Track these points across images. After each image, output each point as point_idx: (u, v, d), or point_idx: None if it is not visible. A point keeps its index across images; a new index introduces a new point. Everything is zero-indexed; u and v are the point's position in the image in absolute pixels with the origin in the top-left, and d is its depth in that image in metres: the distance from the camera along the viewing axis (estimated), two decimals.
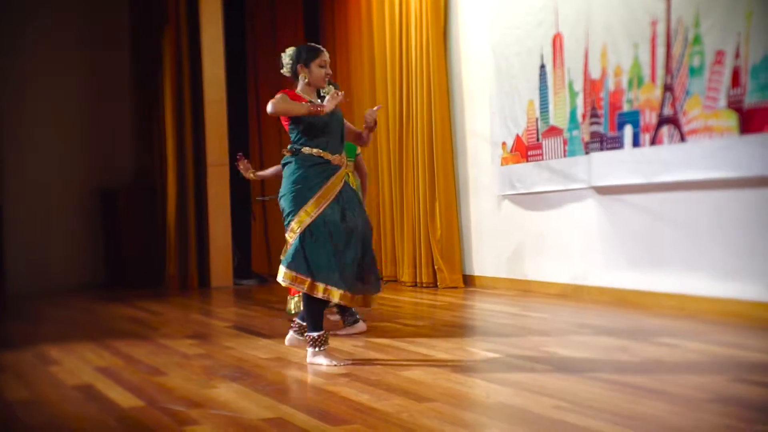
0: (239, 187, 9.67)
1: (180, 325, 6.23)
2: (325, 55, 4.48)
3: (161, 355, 4.74)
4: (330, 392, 3.56)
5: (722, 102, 5.09)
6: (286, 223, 4.21)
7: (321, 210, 4.13)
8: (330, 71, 4.49)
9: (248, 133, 10.31)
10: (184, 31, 9.26)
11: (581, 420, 2.92)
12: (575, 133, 6.45)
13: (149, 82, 9.88)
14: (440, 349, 4.48)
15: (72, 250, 9.78)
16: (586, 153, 6.30)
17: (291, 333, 4.61)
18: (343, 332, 5.18)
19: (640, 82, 5.73)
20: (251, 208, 10.02)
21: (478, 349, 4.44)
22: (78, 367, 4.47)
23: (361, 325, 5.26)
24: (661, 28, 5.54)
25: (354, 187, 4.79)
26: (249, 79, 10.27)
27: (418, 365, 4.07)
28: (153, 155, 9.86)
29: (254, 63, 10.25)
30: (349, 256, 4.14)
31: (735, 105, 5.01)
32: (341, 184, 4.28)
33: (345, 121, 4.54)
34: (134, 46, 10.21)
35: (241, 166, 5.46)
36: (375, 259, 4.31)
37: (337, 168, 4.29)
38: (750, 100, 4.91)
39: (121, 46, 10.21)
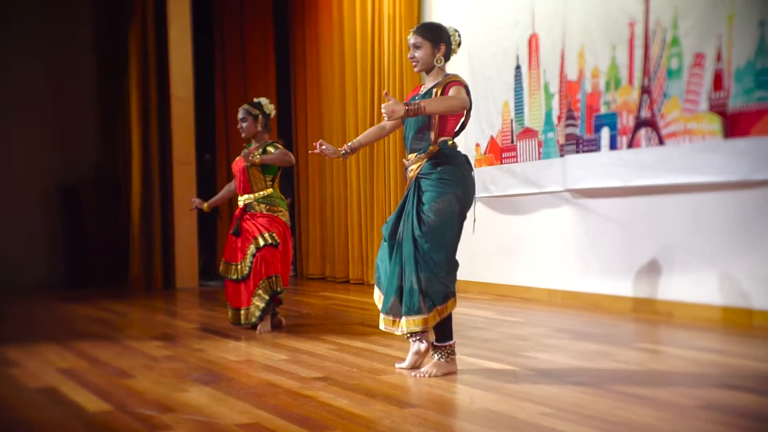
0: (206, 185, 9.48)
1: (146, 326, 6.05)
2: (408, 37, 3.88)
3: (128, 356, 4.57)
4: (307, 397, 3.43)
5: (703, 105, 5.05)
6: None
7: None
8: (413, 55, 3.83)
9: (215, 130, 10.12)
10: (151, 26, 9.06)
11: (570, 427, 2.83)
12: (550, 135, 6.40)
13: (114, 78, 9.66)
14: None
15: (32, 249, 9.51)
16: (561, 155, 6.24)
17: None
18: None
19: (618, 83, 5.69)
20: (218, 207, 9.83)
21: (457, 354, 4.32)
22: (40, 369, 4.29)
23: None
24: (639, 30, 5.50)
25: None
26: (216, 76, 10.09)
27: (396, 369, 3.96)
28: (117, 152, 9.64)
29: (222, 60, 10.08)
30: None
31: (718, 108, 4.97)
32: (410, 183, 3.88)
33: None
34: (99, 41, 9.98)
35: (194, 205, 5.70)
36: (422, 277, 3.73)
37: (406, 171, 3.93)
38: (734, 104, 4.87)
39: (85, 40, 9.98)
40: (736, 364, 3.88)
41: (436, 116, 3.77)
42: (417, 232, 3.72)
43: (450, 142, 3.82)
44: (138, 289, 8.84)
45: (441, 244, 3.73)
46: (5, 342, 5.20)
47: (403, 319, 3.77)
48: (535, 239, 6.69)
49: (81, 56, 9.94)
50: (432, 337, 3.88)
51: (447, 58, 3.90)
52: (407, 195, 3.85)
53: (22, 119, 9.57)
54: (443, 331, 3.83)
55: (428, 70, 3.86)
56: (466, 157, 3.89)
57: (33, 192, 9.62)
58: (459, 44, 3.94)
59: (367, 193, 8.39)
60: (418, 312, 3.72)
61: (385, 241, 3.91)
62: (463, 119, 3.92)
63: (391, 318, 3.85)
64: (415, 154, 3.83)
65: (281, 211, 5.45)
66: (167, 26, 8.92)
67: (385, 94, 3.64)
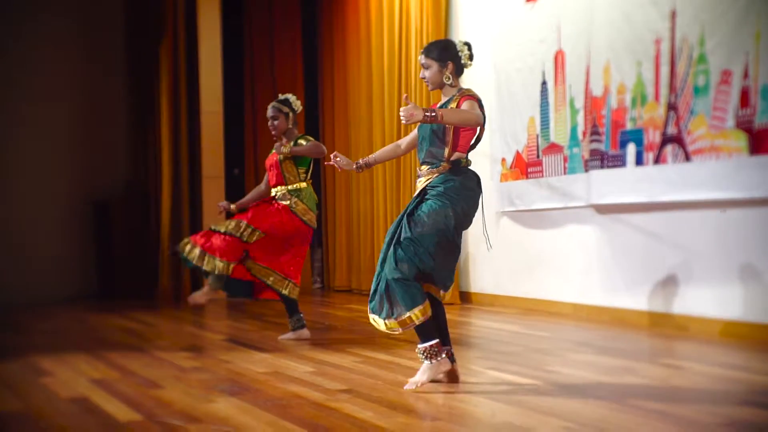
0: (234, 199, 9.57)
1: (174, 337, 6.14)
2: (419, 57, 3.98)
3: (157, 367, 4.66)
4: (332, 409, 3.49)
5: (730, 122, 5.06)
6: None
7: None
8: (423, 76, 3.95)
9: (244, 144, 10.24)
10: (182, 41, 9.21)
11: None
12: (575, 150, 6.42)
13: (145, 92, 9.81)
14: None
15: (64, 261, 9.65)
16: (586, 171, 6.27)
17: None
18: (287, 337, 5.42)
19: (644, 100, 5.70)
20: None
21: (480, 367, 4.37)
22: (72, 378, 4.38)
23: (305, 332, 5.46)
24: (665, 47, 5.52)
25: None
26: (245, 91, 10.22)
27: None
28: (147, 166, 9.78)
29: (251, 74, 10.20)
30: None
31: (744, 125, 4.98)
32: (417, 195, 3.93)
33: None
34: (131, 55, 10.14)
35: (221, 208, 5.85)
36: (391, 279, 3.75)
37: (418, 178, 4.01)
38: (761, 120, 4.88)
39: (117, 55, 10.14)
40: (760, 381, 3.88)
41: (451, 132, 3.83)
42: (406, 234, 3.76)
43: (464, 161, 3.89)
44: (167, 301, 8.96)
45: (425, 245, 3.74)
46: (39, 352, 5.31)
47: (382, 321, 3.82)
48: (560, 253, 6.71)
49: (112, 72, 10.09)
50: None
51: (459, 72, 3.96)
52: (410, 203, 3.90)
53: (54, 135, 9.72)
54: (423, 332, 3.80)
55: (440, 87, 3.96)
56: (477, 177, 3.94)
57: (66, 206, 9.77)
58: (471, 57, 3.97)
59: (393, 206, 8.45)
60: (392, 316, 3.77)
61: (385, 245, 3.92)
62: (477, 133, 3.97)
63: (373, 316, 3.90)
64: (428, 167, 3.89)
65: (307, 213, 5.47)
66: (198, 42, 9.07)
67: (405, 97, 3.70)
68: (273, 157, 5.57)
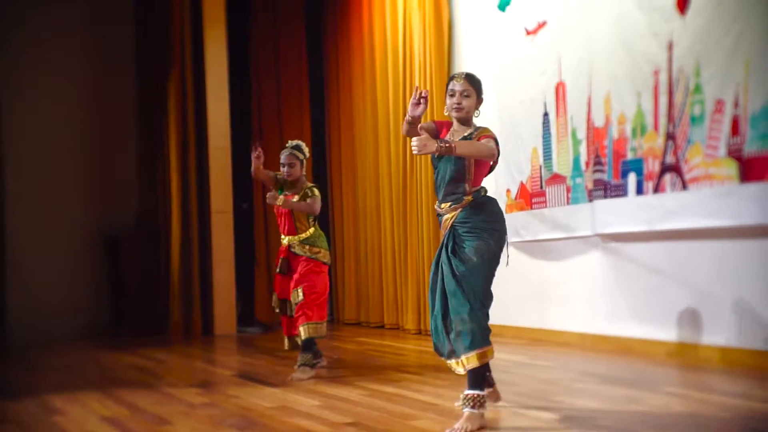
0: (243, 233, 9.69)
1: (184, 374, 6.20)
2: (454, 83, 3.98)
3: (166, 404, 4.71)
4: None
5: (722, 150, 5.13)
6: None
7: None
8: (459, 102, 3.94)
9: (252, 179, 10.34)
10: (189, 76, 9.35)
11: None
12: (578, 180, 6.49)
13: (154, 128, 9.97)
14: (447, 397, 4.45)
15: (75, 297, 9.75)
16: (590, 201, 6.33)
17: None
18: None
19: (644, 130, 5.78)
20: (255, 254, 10.03)
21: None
22: (83, 416, 4.45)
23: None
24: (663, 77, 5.61)
25: None
26: (253, 125, 10.34)
27: (426, 414, 4.05)
28: (157, 201, 9.90)
29: (258, 109, 10.32)
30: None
31: (735, 153, 5.05)
32: (447, 232, 3.99)
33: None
34: (139, 91, 10.32)
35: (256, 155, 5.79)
36: (462, 315, 3.81)
37: (439, 217, 4.08)
38: (750, 149, 4.96)
39: (127, 92, 10.32)
40: (760, 408, 3.91)
41: (472, 169, 3.90)
42: (461, 269, 3.83)
43: (483, 191, 3.97)
44: (178, 337, 9.02)
45: (480, 275, 3.84)
46: (50, 390, 5.38)
47: (462, 357, 3.81)
48: (566, 283, 6.76)
49: (122, 109, 10.27)
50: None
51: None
52: (443, 243, 3.96)
53: (66, 171, 9.90)
54: (478, 378, 3.82)
55: (468, 119, 4.00)
56: (495, 201, 4.05)
57: (76, 241, 9.90)
58: None
59: (401, 239, 8.51)
60: (471, 349, 3.76)
61: (433, 313, 3.99)
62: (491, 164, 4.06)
63: (453, 360, 3.88)
64: (449, 204, 3.96)
65: (320, 252, 5.72)
66: (205, 77, 9.20)
67: (420, 127, 3.74)
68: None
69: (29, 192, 9.67)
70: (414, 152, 3.69)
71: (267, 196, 5.63)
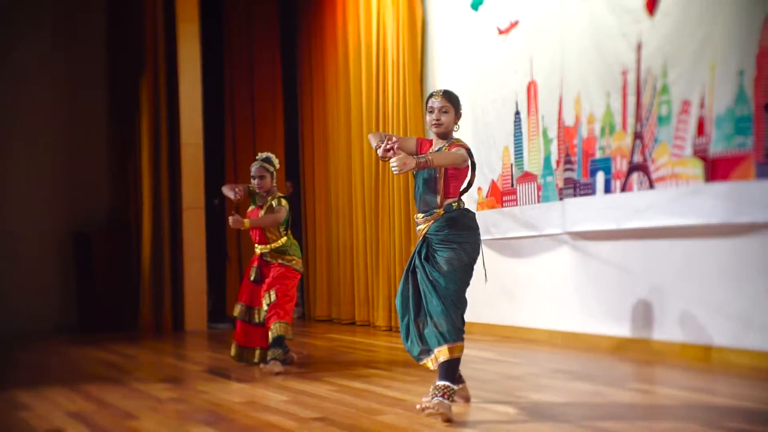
0: (214, 230, 9.66)
1: (153, 369, 6.18)
2: (432, 100, 4.06)
3: (134, 399, 4.70)
4: None
5: (688, 150, 5.21)
6: None
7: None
8: (438, 118, 4.02)
9: (224, 175, 10.33)
10: (162, 74, 9.32)
11: None
12: (549, 179, 6.54)
13: (126, 125, 9.92)
14: (415, 393, 4.47)
15: (45, 293, 9.68)
16: (560, 199, 6.39)
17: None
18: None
19: (612, 129, 5.85)
20: (226, 250, 10.01)
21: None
22: (49, 411, 4.42)
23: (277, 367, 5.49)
24: (631, 78, 5.67)
25: None
26: (226, 122, 10.32)
27: (393, 409, 4.07)
28: (128, 198, 9.86)
29: (231, 106, 10.31)
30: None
31: (700, 153, 5.13)
32: (420, 240, 4.09)
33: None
34: (111, 88, 10.26)
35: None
36: (436, 314, 3.90)
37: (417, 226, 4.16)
38: (715, 149, 5.03)
39: (98, 88, 10.26)
40: (723, 404, 3.98)
41: (442, 181, 4.00)
42: (434, 274, 3.93)
43: (455, 204, 4.02)
44: (148, 333, 8.99)
45: (453, 281, 3.93)
46: (17, 386, 5.34)
47: (435, 350, 3.88)
48: (535, 281, 6.81)
49: (94, 105, 10.21)
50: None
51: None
52: (416, 251, 4.07)
53: (36, 167, 9.82)
54: (453, 371, 3.89)
55: (447, 134, 4.09)
56: (472, 213, 4.12)
57: (46, 238, 9.83)
58: None
59: (372, 236, 8.54)
60: (443, 342, 3.84)
61: (403, 321, 4.06)
62: (468, 179, 4.14)
63: (426, 359, 3.95)
64: (423, 215, 4.06)
65: (293, 260, 5.81)
66: (178, 75, 9.18)
67: (396, 148, 3.81)
68: (253, 215, 5.77)
69: (0, 189, 9.58)
70: (395, 173, 3.80)
71: (231, 220, 5.61)
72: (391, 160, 3.76)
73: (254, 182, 5.77)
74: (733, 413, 3.73)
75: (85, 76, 10.15)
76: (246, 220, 5.63)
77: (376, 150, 3.90)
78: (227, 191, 5.89)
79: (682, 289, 5.44)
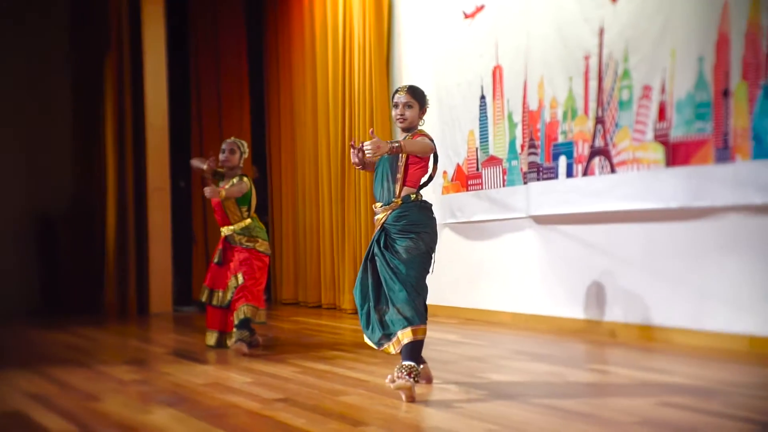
0: (180, 212, 9.62)
1: (117, 352, 6.17)
2: (398, 95, 4.10)
3: (97, 381, 4.69)
4: (267, 417, 3.58)
5: (649, 135, 5.28)
6: None
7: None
8: (403, 113, 4.07)
9: (190, 157, 10.27)
10: (127, 56, 9.24)
11: None
12: (514, 163, 6.60)
13: (90, 107, 9.81)
14: (378, 374, 4.52)
15: (7, 277, 9.57)
16: (525, 183, 6.45)
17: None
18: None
19: (574, 114, 5.91)
20: (193, 232, 9.97)
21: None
22: (8, 393, 4.39)
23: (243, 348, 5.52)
24: (593, 63, 5.73)
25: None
26: (192, 104, 10.26)
27: (356, 390, 4.11)
28: (93, 179, 9.77)
29: (197, 88, 10.24)
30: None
31: (661, 138, 5.21)
32: (378, 229, 4.12)
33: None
34: (75, 70, 10.14)
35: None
36: (398, 299, 3.94)
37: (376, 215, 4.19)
38: (675, 134, 5.12)
39: (61, 71, 10.13)
40: (677, 383, 4.06)
41: (402, 169, 4.05)
42: (394, 261, 3.98)
43: (414, 196, 4.06)
44: (112, 315, 8.94)
45: (413, 268, 3.98)
46: None
47: (398, 332, 3.91)
48: (500, 264, 6.88)
49: (56, 86, 10.09)
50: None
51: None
52: (374, 239, 4.11)
53: None
54: (417, 352, 3.94)
55: (412, 128, 4.13)
56: (429, 204, 4.17)
57: (8, 221, 9.71)
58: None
59: (339, 220, 8.55)
60: (407, 326, 3.88)
61: (362, 310, 4.10)
62: (430, 171, 4.19)
63: (387, 344, 3.98)
64: (381, 204, 4.11)
65: (257, 241, 5.82)
66: (143, 56, 9.10)
67: (371, 131, 3.93)
68: (216, 198, 5.78)
69: None
70: (368, 156, 3.85)
71: (207, 191, 5.62)
72: (365, 144, 3.81)
73: (223, 156, 5.80)
74: (686, 391, 3.82)
75: (48, 57, 10.02)
76: (222, 190, 5.65)
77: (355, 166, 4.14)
78: (198, 163, 5.93)
79: (642, 272, 5.53)
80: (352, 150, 4.09)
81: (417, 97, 4.11)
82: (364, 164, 4.17)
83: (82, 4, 10.03)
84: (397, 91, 4.14)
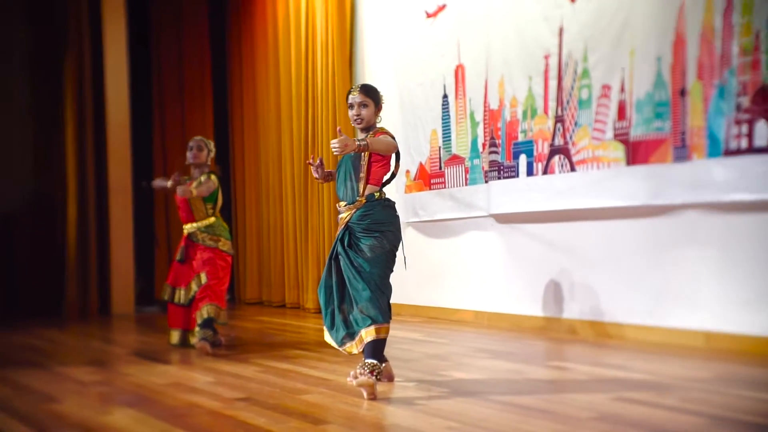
0: (143, 211, 9.54)
1: (78, 353, 6.10)
2: (352, 95, 4.12)
3: (56, 383, 4.64)
4: (227, 416, 3.57)
5: (609, 134, 5.35)
6: None
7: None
8: (359, 113, 4.09)
9: (152, 157, 10.20)
10: (87, 54, 9.14)
11: None
12: (476, 161, 6.64)
13: (50, 105, 9.68)
14: (341, 373, 4.53)
15: None
16: (486, 182, 6.49)
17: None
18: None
19: (534, 113, 5.96)
20: (155, 234, 9.90)
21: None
22: None
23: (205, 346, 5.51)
24: (553, 62, 5.79)
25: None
26: (154, 103, 10.18)
27: (318, 389, 4.11)
28: (53, 179, 9.65)
29: (159, 87, 10.17)
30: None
31: (621, 137, 5.28)
32: (342, 228, 4.13)
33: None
34: (34, 68, 10.00)
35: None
36: (362, 299, 3.97)
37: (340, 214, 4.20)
38: (635, 133, 5.19)
39: (20, 68, 9.97)
40: (634, 378, 4.12)
41: (365, 168, 4.06)
42: (358, 260, 4.00)
43: (377, 194, 4.08)
44: (73, 316, 8.85)
45: (377, 266, 4.00)
46: None
47: (361, 331, 3.94)
48: (462, 262, 6.92)
49: (16, 85, 9.93)
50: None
51: None
52: (338, 238, 4.12)
53: None
54: (377, 351, 3.95)
55: (369, 127, 4.14)
56: (392, 203, 4.18)
57: None
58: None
59: (302, 219, 8.54)
60: (368, 324, 3.91)
61: (326, 310, 4.13)
62: (392, 169, 4.21)
63: (349, 343, 4.02)
64: (345, 203, 4.12)
65: (220, 240, 5.82)
66: (104, 54, 9.01)
67: (339, 129, 3.94)
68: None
69: None
70: (336, 153, 3.84)
71: (179, 190, 5.64)
72: (332, 142, 3.80)
73: (190, 154, 5.81)
74: (643, 387, 3.88)
75: (7, 54, 9.87)
76: (193, 189, 5.67)
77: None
78: (160, 182, 6.01)
79: (602, 270, 5.60)
80: (311, 167, 4.16)
81: (371, 95, 4.12)
82: (325, 177, 4.25)
83: (40, 1, 9.90)
84: (350, 91, 4.15)
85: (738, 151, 4.62)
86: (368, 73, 7.94)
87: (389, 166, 4.17)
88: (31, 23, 10.00)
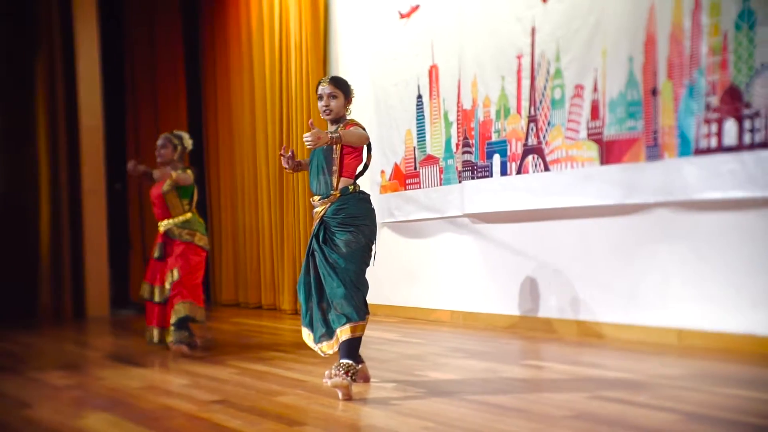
0: (116, 214, 9.48)
1: (51, 357, 6.05)
2: (321, 87, 4.09)
3: (29, 388, 4.60)
4: (203, 419, 3.56)
5: (582, 133, 5.39)
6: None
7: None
8: (328, 104, 4.05)
9: (126, 159, 10.12)
10: (59, 56, 9.06)
11: None
12: (450, 162, 6.66)
13: (21, 107, 9.58)
14: (317, 374, 4.52)
15: None
16: (460, 182, 6.51)
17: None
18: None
19: (507, 112, 5.99)
20: (129, 237, 9.83)
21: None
22: None
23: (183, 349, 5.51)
24: (526, 62, 5.82)
25: None
26: (127, 105, 10.12)
27: (293, 390, 4.11)
28: (25, 181, 9.55)
29: (132, 88, 10.11)
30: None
31: (595, 137, 5.32)
32: (317, 223, 4.12)
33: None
34: (4, 70, 9.89)
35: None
36: (338, 296, 3.96)
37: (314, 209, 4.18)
38: (609, 132, 5.23)
39: None
40: (609, 377, 4.16)
41: (338, 161, 4.04)
42: (333, 256, 3.98)
43: (351, 187, 4.07)
44: (47, 320, 8.77)
45: (353, 262, 3.99)
46: None
47: (337, 330, 3.95)
48: (437, 262, 6.94)
49: None
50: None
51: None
52: (314, 234, 4.10)
53: None
54: (353, 351, 3.97)
55: (339, 119, 4.12)
56: (367, 195, 4.16)
57: None
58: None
59: (278, 221, 8.52)
60: (345, 323, 3.92)
61: (305, 304, 4.13)
62: (365, 161, 4.18)
63: (326, 342, 4.04)
64: (319, 197, 4.09)
65: (197, 235, 5.79)
66: (75, 56, 8.93)
67: (310, 122, 3.90)
68: (157, 189, 5.76)
69: None
70: (309, 147, 3.82)
71: (156, 173, 5.66)
72: (305, 135, 3.78)
73: (157, 153, 5.78)
74: (618, 385, 3.91)
75: None
76: (173, 172, 5.65)
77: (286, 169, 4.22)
78: (135, 166, 5.88)
79: (576, 268, 5.64)
80: (282, 157, 4.12)
81: (341, 87, 4.10)
82: (295, 167, 4.21)
83: (9, 2, 9.80)
84: (320, 82, 4.11)
85: (708, 150, 4.68)
86: (342, 74, 7.93)
87: (361, 157, 4.15)
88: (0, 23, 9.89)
